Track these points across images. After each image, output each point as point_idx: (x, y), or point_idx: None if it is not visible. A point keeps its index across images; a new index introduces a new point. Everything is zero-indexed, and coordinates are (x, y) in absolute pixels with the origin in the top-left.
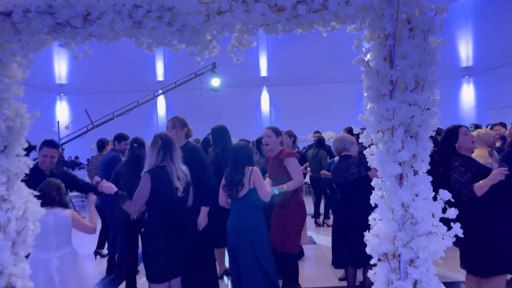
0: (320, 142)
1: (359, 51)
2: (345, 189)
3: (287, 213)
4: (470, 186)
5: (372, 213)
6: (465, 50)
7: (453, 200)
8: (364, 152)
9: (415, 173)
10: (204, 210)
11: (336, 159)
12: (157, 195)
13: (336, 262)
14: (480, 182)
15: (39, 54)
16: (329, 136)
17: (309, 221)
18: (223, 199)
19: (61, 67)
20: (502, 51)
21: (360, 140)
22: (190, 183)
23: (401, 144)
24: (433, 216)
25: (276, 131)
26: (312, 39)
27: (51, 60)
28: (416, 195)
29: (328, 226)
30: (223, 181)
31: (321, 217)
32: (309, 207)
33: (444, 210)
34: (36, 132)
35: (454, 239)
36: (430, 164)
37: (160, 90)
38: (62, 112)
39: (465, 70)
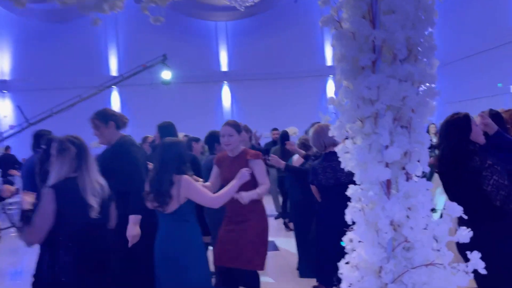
0: (284, 138)
1: (327, 9)
2: (336, 193)
3: (248, 225)
4: None
5: (348, 233)
6: None
7: (465, 217)
8: (335, 150)
9: (409, 177)
10: (133, 220)
11: (296, 157)
12: (65, 217)
13: (304, 271)
14: None
15: None
16: (293, 132)
17: (272, 224)
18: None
19: (3, 62)
20: (460, 46)
21: (330, 134)
22: (111, 198)
23: (389, 136)
24: (436, 241)
25: (238, 128)
26: (274, 33)
27: None
28: (411, 209)
29: (291, 229)
30: (146, 186)
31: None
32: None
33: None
34: None
35: (472, 275)
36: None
37: (114, 87)
38: (5, 110)
39: None
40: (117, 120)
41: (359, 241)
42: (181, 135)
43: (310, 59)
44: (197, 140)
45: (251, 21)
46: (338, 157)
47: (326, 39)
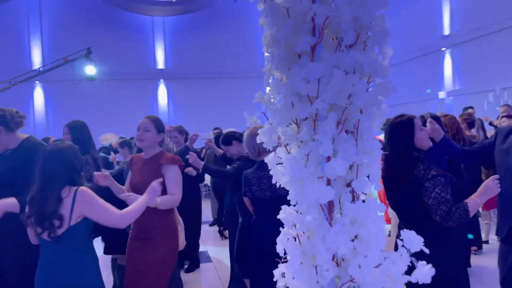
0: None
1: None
2: (273, 208)
3: (152, 245)
4: (464, 204)
5: (280, 265)
6: None
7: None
8: (266, 160)
9: (356, 197)
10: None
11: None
12: None
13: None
14: (473, 197)
15: None
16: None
17: (207, 231)
18: (31, 235)
19: None
20: (396, 51)
21: (258, 140)
22: None
23: (331, 145)
24: (392, 280)
25: (158, 125)
26: (213, 31)
27: None
28: (359, 240)
29: (226, 237)
30: (27, 209)
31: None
32: (207, 213)
33: (410, 269)
34: None
35: None
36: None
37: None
38: None
39: None
40: (6, 122)
41: (293, 277)
42: (111, 135)
43: (249, 58)
44: (129, 145)
45: (190, 18)
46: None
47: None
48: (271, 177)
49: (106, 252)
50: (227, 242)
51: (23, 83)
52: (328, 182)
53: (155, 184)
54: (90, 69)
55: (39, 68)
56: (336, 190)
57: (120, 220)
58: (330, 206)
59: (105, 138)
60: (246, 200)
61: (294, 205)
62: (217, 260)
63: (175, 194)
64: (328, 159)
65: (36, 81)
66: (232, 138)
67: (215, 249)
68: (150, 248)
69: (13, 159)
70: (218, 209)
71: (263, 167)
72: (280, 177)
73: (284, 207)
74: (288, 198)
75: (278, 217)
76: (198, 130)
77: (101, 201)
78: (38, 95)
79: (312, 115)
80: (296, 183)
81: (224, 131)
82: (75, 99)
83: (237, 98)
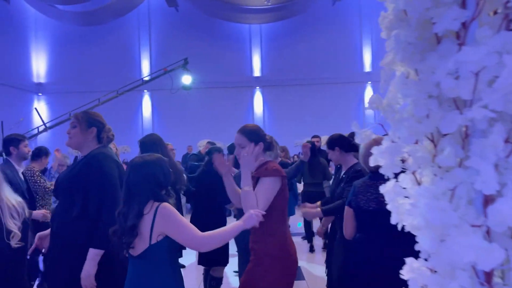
0: (316, 148)
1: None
2: (377, 223)
3: (256, 273)
4: None
5: None
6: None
7: None
8: (382, 190)
9: None
10: (93, 256)
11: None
12: None
13: None
14: None
15: (16, 53)
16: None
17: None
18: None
19: (39, 65)
20: None
21: (373, 162)
22: (27, 221)
23: (495, 175)
24: None
25: (251, 136)
26: (310, 37)
27: (28, 59)
28: None
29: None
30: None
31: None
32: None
33: None
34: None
35: None
36: None
37: (145, 91)
38: (41, 112)
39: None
40: (101, 131)
41: None
42: (204, 142)
43: (347, 64)
44: (219, 150)
45: (286, 24)
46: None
47: (365, 44)
48: (378, 187)
49: (201, 263)
50: (319, 257)
51: (133, 92)
52: (487, 234)
53: (254, 213)
54: (186, 79)
55: (142, 78)
56: (502, 246)
57: (200, 244)
58: (489, 275)
59: (202, 144)
60: (347, 211)
61: (426, 259)
62: (309, 274)
63: (259, 205)
64: (489, 197)
65: (145, 90)
66: (335, 144)
67: (308, 265)
68: (254, 277)
69: (77, 167)
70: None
71: (376, 176)
72: (404, 216)
73: (410, 261)
74: (417, 247)
75: (404, 276)
76: (294, 138)
77: (183, 220)
78: (146, 103)
79: (461, 129)
80: (433, 231)
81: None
82: (177, 107)
83: (334, 105)
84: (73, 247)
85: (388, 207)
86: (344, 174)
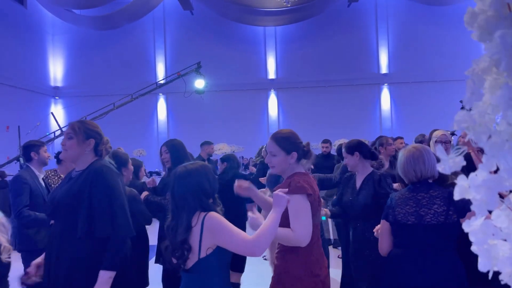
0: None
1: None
2: (416, 238)
3: None
4: None
5: None
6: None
7: None
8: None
9: None
10: (106, 279)
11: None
12: None
13: None
14: None
15: (34, 57)
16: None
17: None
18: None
19: (56, 69)
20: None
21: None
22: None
23: None
24: None
25: (284, 145)
26: (325, 39)
27: (46, 63)
28: None
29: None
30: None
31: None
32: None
33: None
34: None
35: None
36: None
37: (160, 94)
38: (57, 116)
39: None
40: (98, 143)
41: None
42: (224, 145)
43: (363, 66)
44: (233, 159)
45: (301, 26)
46: (429, 187)
47: (381, 45)
48: (419, 200)
49: None
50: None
51: (148, 94)
52: None
53: (279, 193)
54: (199, 83)
55: (156, 82)
56: None
57: (252, 248)
58: None
59: (219, 148)
60: (383, 224)
61: None
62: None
63: (296, 230)
64: None
65: (160, 93)
66: (356, 149)
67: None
68: None
69: (77, 182)
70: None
71: (415, 188)
72: (501, 263)
73: None
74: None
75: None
76: (309, 139)
77: (230, 226)
78: (161, 106)
79: None
80: None
81: (337, 141)
82: (192, 110)
83: (350, 107)
84: (81, 270)
85: (473, 248)
86: (363, 183)
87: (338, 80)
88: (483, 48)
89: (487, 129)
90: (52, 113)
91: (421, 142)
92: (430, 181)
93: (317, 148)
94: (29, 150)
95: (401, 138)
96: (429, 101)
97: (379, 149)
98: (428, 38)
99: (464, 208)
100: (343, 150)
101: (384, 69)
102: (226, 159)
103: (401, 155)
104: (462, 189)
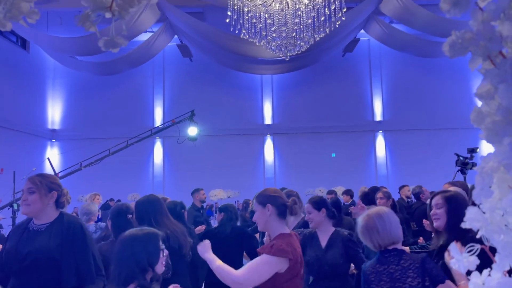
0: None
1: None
2: None
3: None
4: None
5: None
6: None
7: None
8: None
9: None
10: None
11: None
12: None
13: None
14: None
15: (34, 100)
16: (339, 192)
17: None
18: None
19: (55, 112)
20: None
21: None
22: None
23: None
24: None
25: (260, 198)
26: (321, 87)
27: (44, 106)
28: None
29: None
30: None
31: None
32: None
33: None
34: (23, 179)
35: None
36: None
37: (157, 138)
38: (52, 158)
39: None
40: (61, 196)
41: None
42: (220, 192)
43: (358, 113)
44: (231, 209)
45: (298, 74)
46: (399, 257)
47: (375, 93)
48: (392, 273)
49: None
50: None
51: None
52: None
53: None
54: (192, 131)
55: (151, 129)
56: None
57: None
58: None
59: (214, 194)
60: None
61: None
62: None
63: (240, 274)
64: None
65: (157, 137)
66: (322, 205)
67: None
68: None
69: (52, 235)
70: None
71: (384, 259)
72: None
73: None
74: None
75: None
76: (305, 185)
77: None
78: (158, 150)
79: None
80: None
81: (335, 188)
82: (189, 154)
83: (346, 153)
84: None
85: None
86: (330, 241)
87: (333, 127)
88: (475, 98)
89: (499, 229)
90: (48, 158)
91: (418, 194)
92: (398, 246)
93: (308, 195)
94: None
95: (407, 186)
96: (423, 149)
97: (377, 199)
98: (421, 87)
99: (437, 277)
100: (308, 205)
101: (378, 116)
102: (224, 209)
103: (357, 224)
104: (477, 286)
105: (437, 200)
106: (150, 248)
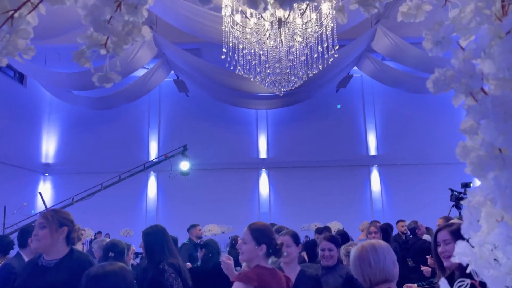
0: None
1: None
2: None
3: None
4: None
5: None
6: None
7: None
8: None
9: None
10: None
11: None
12: None
13: None
14: None
15: (29, 134)
16: (336, 227)
17: None
18: None
19: (49, 146)
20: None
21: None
22: None
23: None
24: None
25: (256, 234)
26: (315, 121)
27: (39, 140)
28: None
29: None
30: None
31: None
32: None
33: None
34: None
35: None
36: None
37: (151, 172)
38: (45, 192)
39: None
40: (71, 231)
41: None
42: (214, 227)
43: (353, 148)
44: (212, 245)
45: (292, 108)
46: None
47: (369, 128)
48: None
49: None
50: None
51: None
52: None
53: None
54: (184, 165)
55: (143, 164)
56: None
57: None
58: None
59: (208, 229)
60: None
61: None
62: None
63: None
64: None
65: (151, 171)
66: (299, 240)
67: None
68: None
69: (60, 271)
70: None
71: None
72: None
73: None
74: None
75: None
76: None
77: None
78: (152, 184)
79: None
80: None
81: (330, 224)
82: (183, 188)
83: (341, 188)
84: None
85: None
86: (298, 281)
87: (328, 161)
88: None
89: (488, 264)
90: (40, 193)
91: (413, 229)
92: (392, 286)
93: (304, 230)
94: (26, 236)
95: (403, 221)
96: (418, 184)
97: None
98: (414, 122)
99: None
100: (288, 237)
101: (373, 151)
102: (205, 245)
103: (350, 255)
104: None
105: (444, 235)
106: (127, 281)
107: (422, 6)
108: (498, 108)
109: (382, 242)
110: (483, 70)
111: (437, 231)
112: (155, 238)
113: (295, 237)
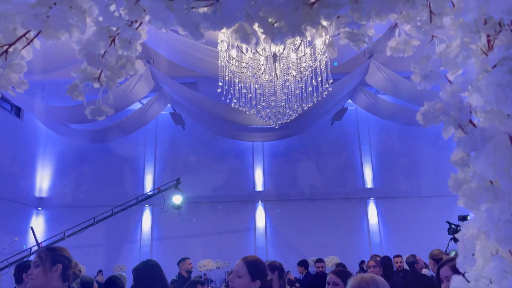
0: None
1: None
2: None
3: None
4: None
5: None
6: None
7: None
8: None
9: None
10: None
11: None
12: None
13: None
14: None
15: (23, 168)
16: (333, 262)
17: None
18: None
19: (43, 180)
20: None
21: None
22: None
23: None
24: None
25: (253, 269)
26: (310, 155)
27: (34, 174)
28: None
29: None
30: None
31: None
32: None
33: None
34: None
35: None
36: None
37: (146, 206)
38: (38, 227)
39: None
40: (67, 267)
41: None
42: (209, 262)
43: (349, 180)
44: (200, 283)
45: (288, 141)
46: None
47: (365, 161)
48: None
49: None
50: None
51: (134, 206)
52: None
53: None
54: (177, 199)
55: (137, 197)
56: None
57: None
58: None
59: (203, 264)
60: None
61: None
62: None
63: None
64: None
65: (146, 205)
66: (275, 268)
67: None
68: None
69: None
70: None
71: None
72: None
73: None
74: None
75: None
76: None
77: None
78: (146, 218)
79: None
80: None
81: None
82: (178, 222)
83: (338, 220)
84: None
85: None
86: None
87: (324, 194)
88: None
89: None
90: (31, 228)
91: (412, 263)
92: None
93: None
94: (22, 271)
95: (399, 256)
96: (415, 216)
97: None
98: (410, 154)
99: None
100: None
101: (369, 183)
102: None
103: (348, 284)
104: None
105: (446, 271)
106: None
107: (410, 42)
108: (487, 140)
109: (381, 277)
110: (471, 103)
111: (439, 267)
112: (147, 275)
113: (272, 267)
